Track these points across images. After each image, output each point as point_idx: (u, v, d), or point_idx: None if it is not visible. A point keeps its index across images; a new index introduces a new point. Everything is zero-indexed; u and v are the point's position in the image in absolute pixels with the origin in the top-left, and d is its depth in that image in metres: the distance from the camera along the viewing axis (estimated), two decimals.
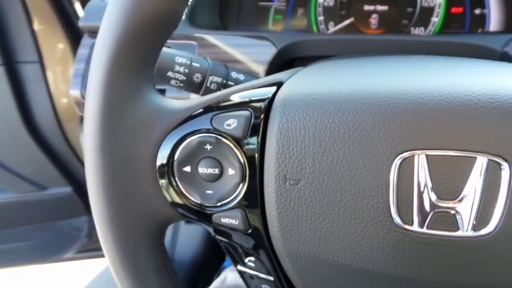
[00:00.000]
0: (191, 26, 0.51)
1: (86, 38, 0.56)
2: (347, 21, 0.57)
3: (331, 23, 0.58)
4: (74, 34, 0.81)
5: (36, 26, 0.80)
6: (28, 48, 0.82)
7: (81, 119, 0.88)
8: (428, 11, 0.55)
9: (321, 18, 0.58)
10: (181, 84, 0.36)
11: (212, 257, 1.20)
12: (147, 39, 0.24)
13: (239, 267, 0.28)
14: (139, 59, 0.24)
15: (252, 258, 0.27)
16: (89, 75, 0.25)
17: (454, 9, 0.55)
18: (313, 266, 0.25)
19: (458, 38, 0.47)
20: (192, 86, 0.36)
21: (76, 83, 0.53)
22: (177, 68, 0.35)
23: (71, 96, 0.56)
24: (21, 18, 0.77)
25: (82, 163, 0.98)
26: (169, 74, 0.35)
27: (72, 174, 0.99)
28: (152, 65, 0.26)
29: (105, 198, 0.25)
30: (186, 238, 1.10)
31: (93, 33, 0.56)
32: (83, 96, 0.54)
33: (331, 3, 0.58)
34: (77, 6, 0.78)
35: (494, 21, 0.56)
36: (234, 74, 0.37)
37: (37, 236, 1.09)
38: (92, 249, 1.20)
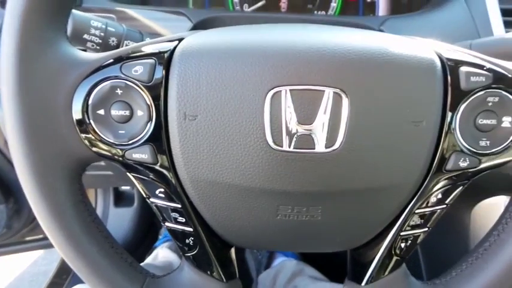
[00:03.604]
0: (112, 1, 0.54)
1: None
2: (259, 3, 0.64)
3: (245, 5, 0.65)
4: None
5: None
6: None
7: None
8: None
9: (236, 0, 0.64)
10: (98, 47, 0.39)
11: (143, 239, 1.21)
12: None
13: (151, 199, 0.32)
14: (49, 10, 0.27)
15: (162, 190, 0.32)
16: (3, 27, 0.27)
17: None
18: (211, 189, 0.31)
19: (347, 18, 0.57)
20: (109, 49, 0.39)
21: None
22: (92, 31, 0.38)
23: None
24: None
25: None
26: (86, 36, 0.38)
27: None
28: (64, 17, 0.29)
29: (23, 140, 0.28)
30: (115, 223, 1.10)
31: (4, 3, 0.55)
32: None
33: None
34: None
35: (382, 8, 0.67)
36: (148, 40, 0.41)
37: None
38: (12, 243, 1.14)
